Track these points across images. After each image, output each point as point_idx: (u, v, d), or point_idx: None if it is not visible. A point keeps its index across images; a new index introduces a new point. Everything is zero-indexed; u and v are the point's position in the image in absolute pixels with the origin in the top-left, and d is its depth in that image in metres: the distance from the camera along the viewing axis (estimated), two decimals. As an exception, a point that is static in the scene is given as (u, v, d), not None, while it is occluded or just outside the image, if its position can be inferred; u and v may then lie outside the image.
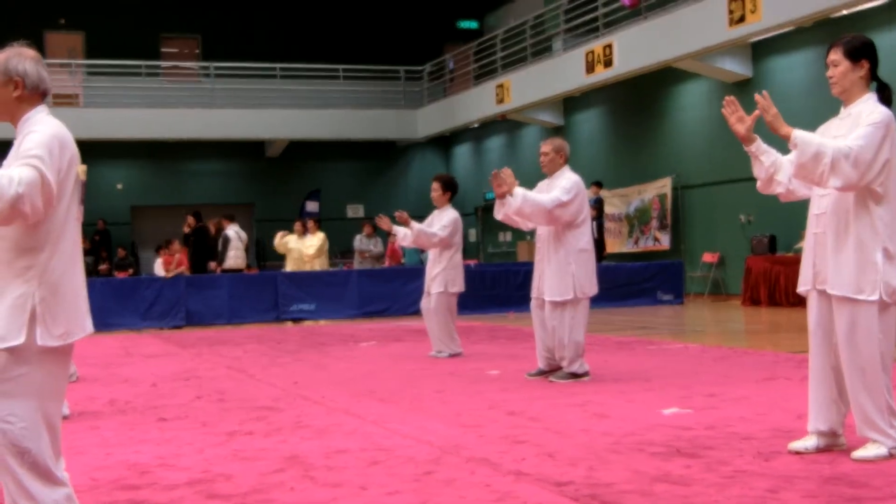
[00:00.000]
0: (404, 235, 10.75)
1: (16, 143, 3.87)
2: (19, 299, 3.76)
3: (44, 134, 3.84)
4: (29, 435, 3.77)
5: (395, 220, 10.79)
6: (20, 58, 3.97)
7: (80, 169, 3.96)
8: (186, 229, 20.20)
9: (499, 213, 8.39)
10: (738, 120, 5.08)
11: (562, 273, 8.25)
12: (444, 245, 10.63)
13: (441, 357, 10.56)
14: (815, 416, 5.09)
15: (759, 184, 5.28)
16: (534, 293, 8.63)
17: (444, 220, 10.64)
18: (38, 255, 3.80)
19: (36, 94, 3.98)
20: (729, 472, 4.73)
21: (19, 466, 3.78)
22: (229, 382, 9.01)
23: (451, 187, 10.89)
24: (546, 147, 8.57)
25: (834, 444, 5.09)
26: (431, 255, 10.85)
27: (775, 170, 5.15)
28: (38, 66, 3.99)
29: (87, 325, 3.98)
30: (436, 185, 10.88)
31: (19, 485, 3.80)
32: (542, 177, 8.67)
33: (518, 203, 8.07)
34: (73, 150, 3.94)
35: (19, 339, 3.74)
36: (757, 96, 4.99)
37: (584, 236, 8.36)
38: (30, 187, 3.68)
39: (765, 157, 5.17)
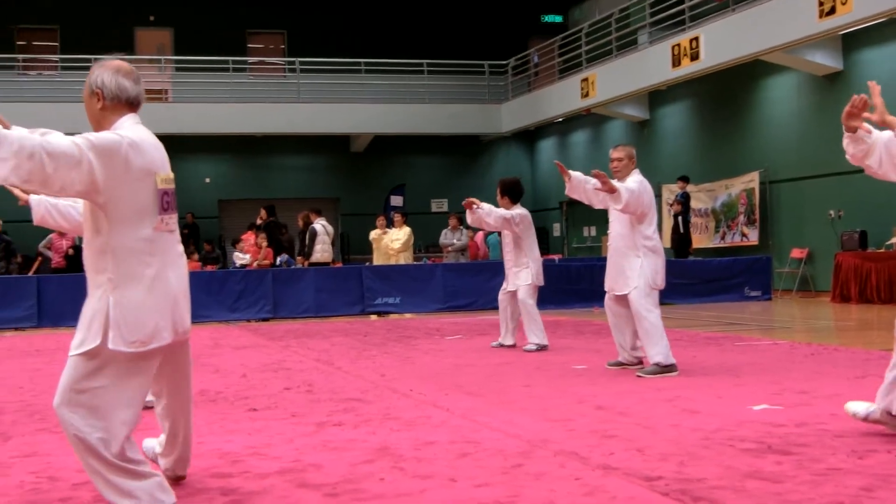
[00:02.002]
0: (488, 212, 10.83)
1: None
2: (98, 303, 3.83)
3: (107, 132, 3.84)
4: (108, 441, 3.83)
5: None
6: (101, 70, 3.98)
7: (160, 177, 3.92)
8: (259, 222, 20.42)
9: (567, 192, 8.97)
10: (848, 117, 5.05)
11: (628, 266, 8.56)
12: (506, 227, 10.84)
13: (531, 351, 10.62)
14: None
15: (848, 155, 5.28)
16: (607, 287, 8.98)
17: (514, 213, 10.85)
18: (111, 260, 3.82)
19: (119, 104, 3.96)
20: (822, 469, 4.66)
21: (105, 470, 3.87)
22: (317, 374, 9.11)
23: (507, 191, 11.05)
24: (619, 153, 8.81)
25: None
26: (507, 250, 11.04)
27: (864, 155, 5.12)
28: (117, 76, 3.96)
29: (165, 335, 3.94)
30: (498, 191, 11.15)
31: (108, 482, 3.88)
32: None
33: (625, 196, 8.24)
34: (150, 157, 3.90)
35: (95, 343, 3.79)
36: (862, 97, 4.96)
37: (649, 230, 8.57)
38: (53, 148, 3.62)
39: (859, 142, 5.15)
